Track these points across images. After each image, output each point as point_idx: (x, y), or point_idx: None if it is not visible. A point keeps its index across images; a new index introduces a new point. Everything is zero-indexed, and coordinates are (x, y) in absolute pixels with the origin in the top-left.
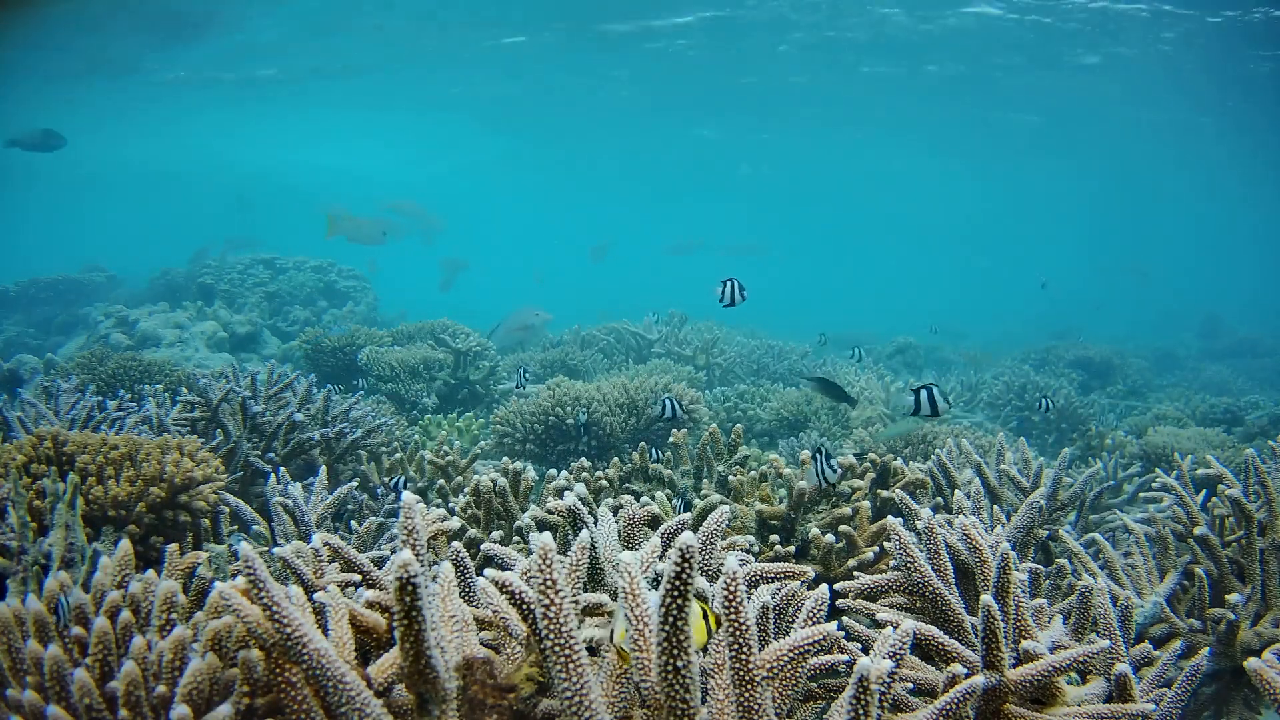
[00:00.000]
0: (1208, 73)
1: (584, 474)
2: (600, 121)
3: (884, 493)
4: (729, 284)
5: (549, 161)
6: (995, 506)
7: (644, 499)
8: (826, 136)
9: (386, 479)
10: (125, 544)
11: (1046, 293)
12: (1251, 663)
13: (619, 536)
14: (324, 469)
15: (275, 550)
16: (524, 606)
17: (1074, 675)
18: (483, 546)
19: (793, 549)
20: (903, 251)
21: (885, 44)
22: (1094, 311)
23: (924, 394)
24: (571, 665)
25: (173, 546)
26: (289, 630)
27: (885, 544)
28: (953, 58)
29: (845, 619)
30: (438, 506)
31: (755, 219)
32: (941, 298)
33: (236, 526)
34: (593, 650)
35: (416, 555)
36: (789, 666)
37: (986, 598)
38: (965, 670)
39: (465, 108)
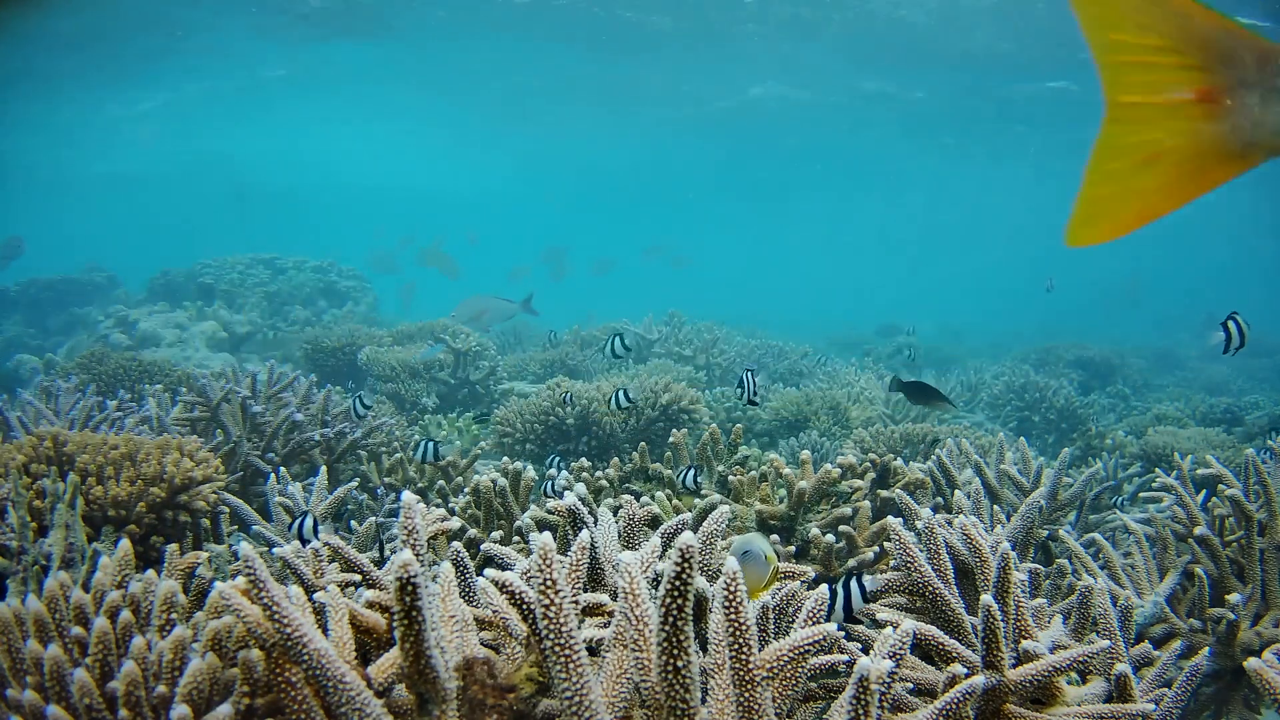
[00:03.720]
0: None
1: (584, 474)
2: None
3: (884, 493)
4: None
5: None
6: (995, 506)
7: (644, 499)
8: (827, 132)
9: (386, 479)
10: (125, 544)
11: (1050, 296)
12: (1251, 663)
13: (619, 536)
14: (324, 469)
15: (275, 550)
16: (524, 606)
17: (1074, 675)
18: (483, 546)
19: (793, 549)
20: (903, 252)
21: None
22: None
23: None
24: (571, 665)
25: (173, 546)
26: (289, 630)
27: (885, 544)
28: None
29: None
30: (438, 506)
31: (753, 218)
32: (943, 298)
33: (236, 526)
34: (593, 650)
35: (417, 555)
36: (789, 666)
37: (986, 598)
38: (965, 670)
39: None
